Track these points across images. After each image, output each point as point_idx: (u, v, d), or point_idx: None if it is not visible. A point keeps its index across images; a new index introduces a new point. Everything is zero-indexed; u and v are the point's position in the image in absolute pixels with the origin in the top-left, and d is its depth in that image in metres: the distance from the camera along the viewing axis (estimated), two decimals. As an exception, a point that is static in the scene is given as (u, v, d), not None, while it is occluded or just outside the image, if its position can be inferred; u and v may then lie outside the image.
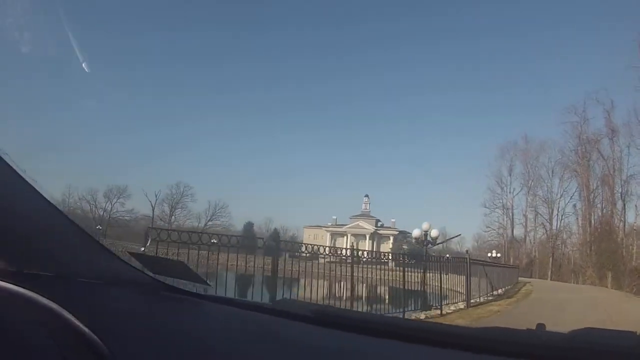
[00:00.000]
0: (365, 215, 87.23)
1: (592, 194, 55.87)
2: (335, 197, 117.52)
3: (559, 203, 66.14)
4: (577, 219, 61.39)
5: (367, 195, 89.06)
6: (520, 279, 34.06)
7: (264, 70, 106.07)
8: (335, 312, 1.77)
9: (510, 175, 72.83)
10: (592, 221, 54.51)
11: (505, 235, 73.63)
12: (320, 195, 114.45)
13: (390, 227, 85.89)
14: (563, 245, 63.95)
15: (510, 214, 73.00)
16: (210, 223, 74.97)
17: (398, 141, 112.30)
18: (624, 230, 51.15)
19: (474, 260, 18.07)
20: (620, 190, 52.25)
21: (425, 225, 16.22)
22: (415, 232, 17.30)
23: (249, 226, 76.78)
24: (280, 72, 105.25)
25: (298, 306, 1.66)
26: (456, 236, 71.09)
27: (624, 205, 51.89)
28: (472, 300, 14.48)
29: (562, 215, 65.62)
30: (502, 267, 26.03)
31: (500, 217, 73.90)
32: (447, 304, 13.54)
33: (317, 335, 1.37)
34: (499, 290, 19.42)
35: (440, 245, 39.05)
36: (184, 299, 1.55)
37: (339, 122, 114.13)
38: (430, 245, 17.31)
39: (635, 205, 51.80)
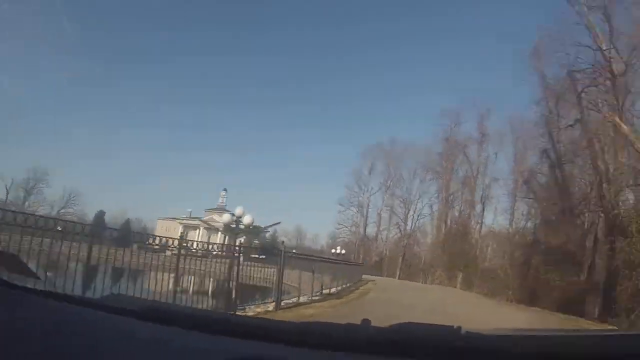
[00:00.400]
0: (220, 209, 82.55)
1: (452, 196, 53.62)
2: (197, 191, 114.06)
3: (416, 204, 64.64)
4: (432, 219, 59.58)
5: (225, 189, 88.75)
6: (366, 277, 32.76)
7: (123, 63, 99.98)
8: (163, 307, 1.80)
9: (370, 174, 70.82)
10: (448, 222, 51.85)
11: (357, 233, 70.44)
12: (182, 187, 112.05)
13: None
14: (416, 245, 61.85)
15: (365, 212, 70.82)
16: (62, 211, 70.20)
17: (263, 139, 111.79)
18: (480, 232, 49.32)
19: (298, 254, 18.46)
20: (481, 193, 50.41)
21: (238, 210, 13.51)
22: (225, 218, 14.36)
23: (100, 215, 72.49)
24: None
25: (126, 301, 1.71)
26: (275, 224, 73.39)
27: (483, 207, 50.19)
28: (291, 300, 13.21)
29: (417, 216, 64.10)
30: (342, 264, 24.44)
31: (354, 215, 71.60)
32: (257, 304, 12.44)
33: (145, 331, 1.36)
34: (332, 289, 17.45)
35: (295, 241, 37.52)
36: (10, 292, 1.49)
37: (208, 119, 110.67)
38: (241, 233, 14.83)
39: (495, 207, 50.27)
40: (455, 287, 41.57)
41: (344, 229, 72.12)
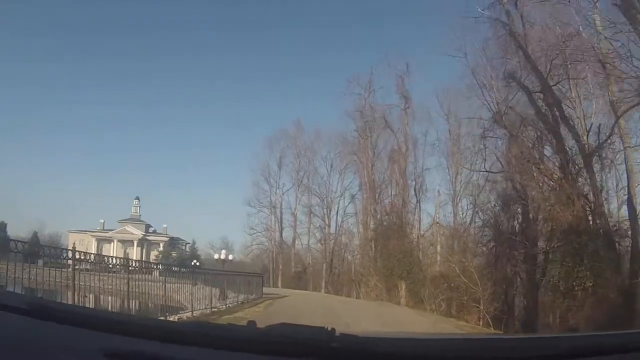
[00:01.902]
0: (134, 220, 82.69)
1: (378, 181, 42.13)
2: (108, 200, 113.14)
3: (338, 202, 53.37)
4: (356, 214, 48.21)
5: (137, 198, 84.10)
6: (278, 291, 29.34)
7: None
8: (53, 305, 1.77)
9: (280, 168, 59.25)
10: (377, 211, 40.33)
11: (273, 238, 57.87)
12: (92, 195, 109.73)
13: (161, 233, 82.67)
14: (346, 251, 50.39)
15: (279, 214, 59.17)
16: None
17: (174, 141, 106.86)
18: (420, 227, 38.34)
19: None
20: (414, 171, 39.36)
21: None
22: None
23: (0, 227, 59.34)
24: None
25: (15, 298, 1.69)
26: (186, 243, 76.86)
27: (418, 199, 39.07)
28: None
29: (341, 216, 52.78)
30: (232, 276, 21.22)
31: (267, 217, 60.00)
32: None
33: (35, 328, 1.36)
34: (193, 313, 13.69)
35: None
36: None
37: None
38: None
39: (438, 191, 39.56)
40: (398, 303, 30.16)
41: (258, 234, 60.02)
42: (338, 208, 53.42)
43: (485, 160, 29.46)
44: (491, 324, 21.54)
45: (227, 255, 33.40)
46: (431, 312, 25.37)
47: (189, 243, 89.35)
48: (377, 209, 40.79)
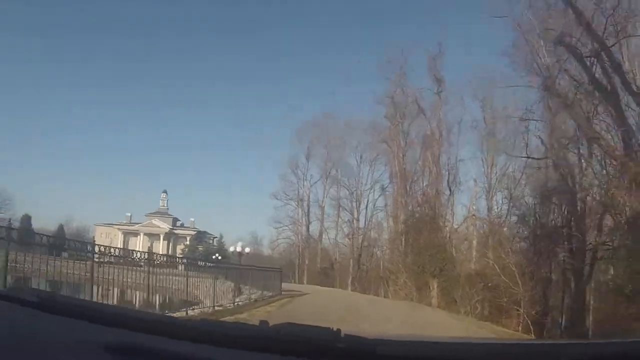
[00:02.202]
0: (161, 213, 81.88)
1: (406, 166, 38.81)
2: (136, 193, 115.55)
3: (368, 195, 50.34)
4: (386, 206, 45.10)
5: (165, 191, 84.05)
6: (301, 288, 27.37)
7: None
8: (64, 299, 1.81)
9: (308, 160, 56.55)
10: (408, 203, 37.20)
11: (300, 232, 55.33)
12: (120, 190, 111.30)
13: (188, 227, 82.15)
14: (375, 247, 47.45)
15: (306, 207, 56.64)
16: None
17: (200, 138, 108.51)
18: (453, 220, 35.07)
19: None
20: (447, 162, 36.05)
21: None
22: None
23: (25, 220, 62.99)
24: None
25: (28, 292, 1.71)
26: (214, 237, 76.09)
27: (451, 190, 35.78)
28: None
29: (371, 210, 49.79)
30: (248, 270, 19.77)
31: (294, 210, 57.49)
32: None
33: (44, 321, 1.40)
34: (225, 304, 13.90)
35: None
36: None
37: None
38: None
39: (475, 180, 36.15)
40: (429, 303, 27.12)
41: (284, 228, 57.67)
42: (367, 201, 50.52)
43: (527, 145, 26.28)
44: (532, 329, 18.52)
45: (243, 248, 31.01)
46: (465, 315, 22.30)
47: (216, 237, 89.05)
48: (408, 200, 37.62)
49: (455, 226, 34.24)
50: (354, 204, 51.09)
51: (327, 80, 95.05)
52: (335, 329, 1.26)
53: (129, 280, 11.41)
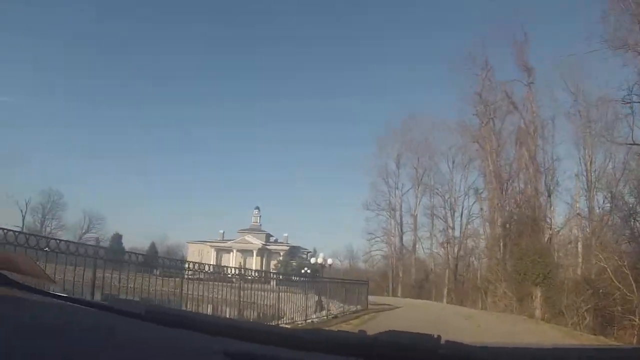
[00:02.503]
0: (254, 230, 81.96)
1: (500, 164, 35.84)
2: (231, 211, 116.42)
3: (463, 200, 47.49)
4: (481, 210, 41.92)
5: (257, 208, 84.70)
6: (397, 301, 27.15)
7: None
8: (161, 309, 1.79)
9: (398, 167, 54.77)
10: (505, 205, 34.19)
11: (392, 243, 53.58)
12: (212, 207, 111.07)
13: (281, 242, 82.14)
14: (470, 255, 44.39)
15: (399, 217, 54.68)
16: (86, 235, 67.23)
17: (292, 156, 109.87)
18: (552, 222, 31.56)
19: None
20: (543, 161, 32.70)
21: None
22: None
23: (116, 238, 68.02)
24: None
25: (125, 302, 1.94)
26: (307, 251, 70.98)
27: (552, 180, 32.42)
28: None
29: (466, 217, 46.84)
30: (328, 283, 18.30)
31: (387, 220, 55.65)
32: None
33: (144, 331, 1.45)
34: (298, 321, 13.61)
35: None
36: (15, 291, 1.55)
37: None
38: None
39: (577, 175, 32.43)
40: (532, 315, 24.28)
41: (376, 240, 56.03)
42: (462, 208, 47.82)
43: (632, 130, 22.86)
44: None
45: (325, 260, 30.12)
46: (572, 327, 19.43)
47: (310, 252, 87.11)
48: (505, 203, 34.65)
49: (557, 228, 30.68)
50: (448, 212, 48.73)
51: (407, 81, 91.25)
52: (436, 336, 1.25)
53: (219, 295, 11.65)
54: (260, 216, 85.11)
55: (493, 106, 36.28)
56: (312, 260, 33.65)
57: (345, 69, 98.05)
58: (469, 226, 45.96)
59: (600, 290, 19.50)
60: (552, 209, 32.17)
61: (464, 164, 47.10)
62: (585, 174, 31.16)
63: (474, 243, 43.81)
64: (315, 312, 15.51)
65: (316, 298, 15.70)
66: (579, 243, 27.36)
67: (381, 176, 55.25)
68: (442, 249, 46.57)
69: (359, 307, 19.90)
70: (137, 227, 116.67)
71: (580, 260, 25.74)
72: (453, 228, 47.76)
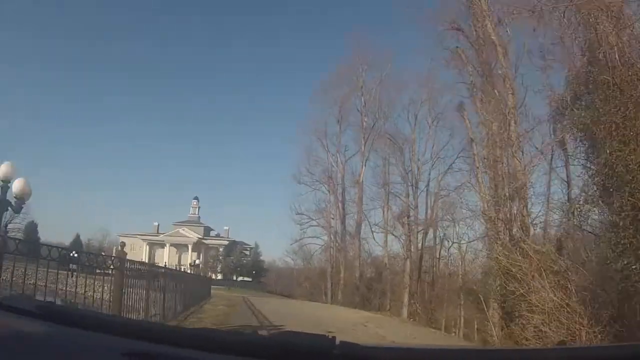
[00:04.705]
0: (192, 222, 76.15)
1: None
2: (165, 201, 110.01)
3: (434, 158, 32.54)
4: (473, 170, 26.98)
5: (196, 198, 77.87)
6: (319, 313, 19.50)
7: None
8: (61, 309, 1.80)
9: (339, 121, 40.03)
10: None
11: (332, 229, 38.95)
12: (148, 198, 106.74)
13: (222, 237, 76.25)
14: (447, 240, 29.53)
15: (340, 191, 39.47)
16: (9, 226, 53.02)
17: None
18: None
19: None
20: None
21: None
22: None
23: (30, 227, 59.36)
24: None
25: (26, 302, 1.73)
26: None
27: None
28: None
29: (439, 180, 31.79)
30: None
31: (326, 199, 40.41)
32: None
33: (42, 331, 1.39)
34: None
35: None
36: None
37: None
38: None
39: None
40: None
41: (310, 223, 40.72)
42: (429, 180, 32.70)
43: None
44: None
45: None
46: None
47: (252, 247, 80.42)
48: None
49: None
50: (409, 187, 33.37)
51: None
52: (330, 337, 1.26)
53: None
54: (199, 207, 78.24)
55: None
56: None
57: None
58: (443, 198, 30.46)
59: None
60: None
61: (431, 118, 32.35)
62: None
63: (451, 220, 28.64)
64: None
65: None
66: None
67: (317, 136, 39.96)
68: (402, 228, 30.55)
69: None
70: (70, 218, 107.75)
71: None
72: (416, 207, 32.77)
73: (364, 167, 34.79)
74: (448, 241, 27.99)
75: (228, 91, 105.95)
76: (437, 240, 30.01)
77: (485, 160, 18.69)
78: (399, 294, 28.01)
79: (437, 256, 29.94)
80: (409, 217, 29.27)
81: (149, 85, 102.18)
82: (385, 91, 35.28)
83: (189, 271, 68.51)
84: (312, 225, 40.16)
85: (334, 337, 1.26)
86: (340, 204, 38.31)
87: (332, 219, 38.72)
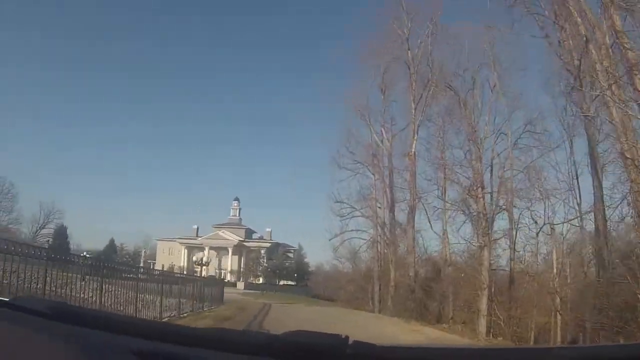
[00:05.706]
0: (232, 224, 75.49)
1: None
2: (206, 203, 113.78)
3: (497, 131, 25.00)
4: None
5: (237, 199, 78.86)
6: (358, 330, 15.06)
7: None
8: (72, 309, 1.79)
9: (384, 92, 33.08)
10: None
11: (377, 218, 31.81)
12: (188, 201, 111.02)
13: (262, 239, 75.71)
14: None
15: (387, 172, 32.30)
16: (43, 231, 60.67)
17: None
18: None
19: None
20: None
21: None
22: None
23: (60, 231, 61.30)
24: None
25: (36, 302, 1.69)
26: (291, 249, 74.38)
27: None
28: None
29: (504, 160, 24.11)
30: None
31: (370, 185, 33.91)
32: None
33: (53, 331, 1.38)
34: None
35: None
36: None
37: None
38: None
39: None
40: None
41: (352, 212, 33.96)
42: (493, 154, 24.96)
43: None
44: None
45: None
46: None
47: (295, 248, 78.20)
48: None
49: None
50: (475, 160, 25.98)
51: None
52: (343, 336, 1.24)
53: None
54: (239, 209, 77.79)
55: None
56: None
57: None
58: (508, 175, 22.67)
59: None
60: None
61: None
62: None
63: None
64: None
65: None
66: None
67: (358, 111, 32.96)
68: (475, 205, 22.65)
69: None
70: (105, 223, 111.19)
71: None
72: (483, 188, 25.30)
73: (416, 135, 27.58)
74: (536, 222, 20.45)
75: (271, 91, 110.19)
76: (513, 224, 22.62)
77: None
78: (470, 298, 20.82)
79: (512, 246, 22.56)
80: (483, 188, 21.82)
81: (188, 87, 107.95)
82: (437, 44, 28.09)
83: (228, 278, 62.95)
84: (355, 216, 33.56)
85: (347, 337, 1.23)
86: (387, 190, 31.36)
87: (379, 207, 31.87)
